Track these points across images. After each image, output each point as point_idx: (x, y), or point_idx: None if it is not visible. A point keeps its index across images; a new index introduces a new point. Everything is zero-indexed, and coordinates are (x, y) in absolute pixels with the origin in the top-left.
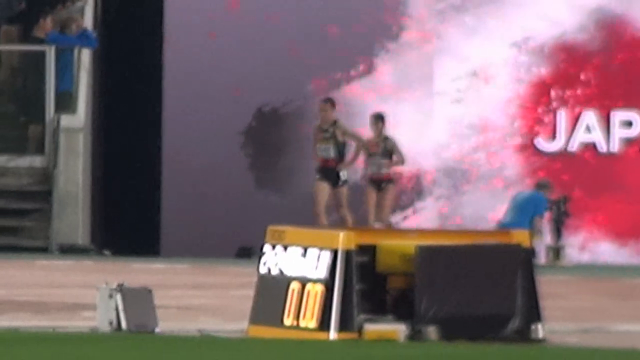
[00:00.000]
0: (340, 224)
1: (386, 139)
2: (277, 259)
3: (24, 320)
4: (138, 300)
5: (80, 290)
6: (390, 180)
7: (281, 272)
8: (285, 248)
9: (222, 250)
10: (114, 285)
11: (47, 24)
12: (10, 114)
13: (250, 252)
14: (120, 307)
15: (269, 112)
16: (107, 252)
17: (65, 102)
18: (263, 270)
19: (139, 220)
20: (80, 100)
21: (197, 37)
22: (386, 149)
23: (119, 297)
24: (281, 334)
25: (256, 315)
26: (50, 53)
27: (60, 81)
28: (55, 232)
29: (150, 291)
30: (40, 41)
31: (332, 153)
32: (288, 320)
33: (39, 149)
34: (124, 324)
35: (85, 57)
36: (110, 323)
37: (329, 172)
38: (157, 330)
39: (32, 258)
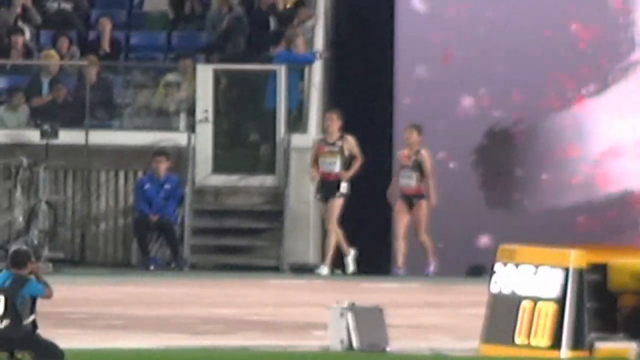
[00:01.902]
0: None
1: (418, 152)
2: (508, 278)
3: (255, 339)
4: (369, 319)
5: (312, 310)
6: (421, 195)
7: (513, 290)
8: (517, 266)
9: (453, 269)
10: (346, 305)
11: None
12: (241, 133)
13: (482, 271)
14: (352, 326)
15: (500, 131)
16: (338, 272)
17: (296, 121)
18: (495, 289)
19: (370, 239)
20: (311, 120)
21: (429, 55)
22: (417, 163)
23: (350, 316)
24: (513, 353)
25: (488, 333)
26: (281, 72)
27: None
28: (286, 252)
29: (381, 310)
30: (269, 60)
31: (337, 168)
32: (519, 339)
33: (270, 169)
34: (355, 343)
35: (315, 75)
36: (342, 342)
37: (329, 186)
38: (388, 349)
39: (263, 277)
